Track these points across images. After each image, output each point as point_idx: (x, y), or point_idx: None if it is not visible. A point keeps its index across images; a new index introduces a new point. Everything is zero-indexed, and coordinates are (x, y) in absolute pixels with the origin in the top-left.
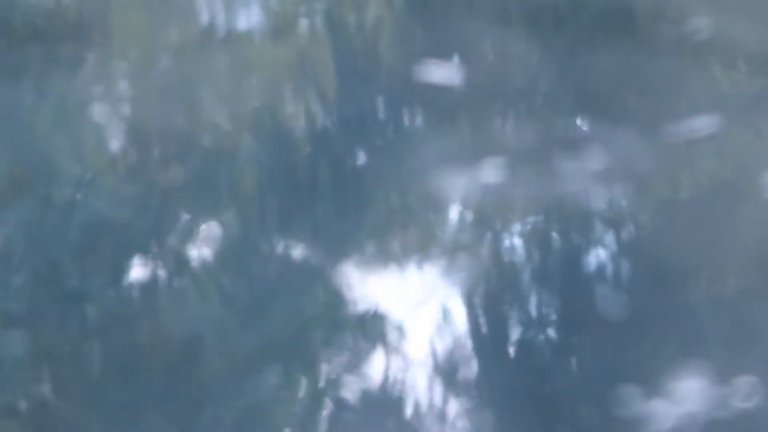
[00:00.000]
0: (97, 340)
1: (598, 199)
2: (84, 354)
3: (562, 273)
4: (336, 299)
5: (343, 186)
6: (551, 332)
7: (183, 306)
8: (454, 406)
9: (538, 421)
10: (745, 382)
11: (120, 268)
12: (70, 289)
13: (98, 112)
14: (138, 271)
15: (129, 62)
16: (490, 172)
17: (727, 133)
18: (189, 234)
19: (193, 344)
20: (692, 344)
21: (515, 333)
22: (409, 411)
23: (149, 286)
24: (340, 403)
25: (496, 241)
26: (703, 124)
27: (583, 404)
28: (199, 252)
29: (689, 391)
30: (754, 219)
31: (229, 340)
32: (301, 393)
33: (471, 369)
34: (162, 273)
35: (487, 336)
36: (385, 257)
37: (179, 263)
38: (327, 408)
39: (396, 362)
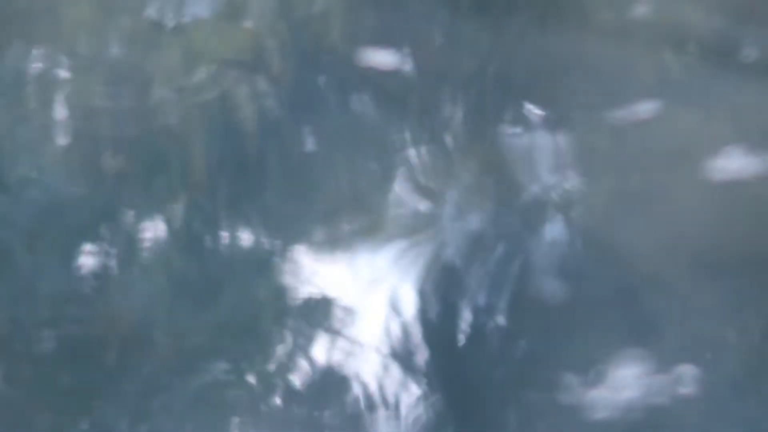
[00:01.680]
0: (47, 325)
1: (547, 184)
2: (34, 339)
3: (510, 258)
4: (286, 284)
5: (292, 171)
6: (497, 318)
7: (133, 291)
8: (403, 390)
9: (482, 406)
10: (685, 369)
11: (70, 253)
12: (19, 274)
13: (47, 99)
14: (88, 255)
15: (78, 49)
16: (440, 157)
17: (675, 117)
18: (139, 219)
19: (144, 329)
20: (635, 331)
21: (462, 318)
22: (358, 396)
23: (99, 271)
24: (291, 388)
25: (445, 226)
26: (652, 107)
27: (526, 390)
28: (149, 237)
29: (631, 378)
30: (702, 204)
31: (179, 325)
32: (252, 378)
33: (419, 354)
34: (112, 258)
35: (434, 320)
36: (334, 242)
37: (129, 248)
38: (277, 392)
39: (346, 347)
